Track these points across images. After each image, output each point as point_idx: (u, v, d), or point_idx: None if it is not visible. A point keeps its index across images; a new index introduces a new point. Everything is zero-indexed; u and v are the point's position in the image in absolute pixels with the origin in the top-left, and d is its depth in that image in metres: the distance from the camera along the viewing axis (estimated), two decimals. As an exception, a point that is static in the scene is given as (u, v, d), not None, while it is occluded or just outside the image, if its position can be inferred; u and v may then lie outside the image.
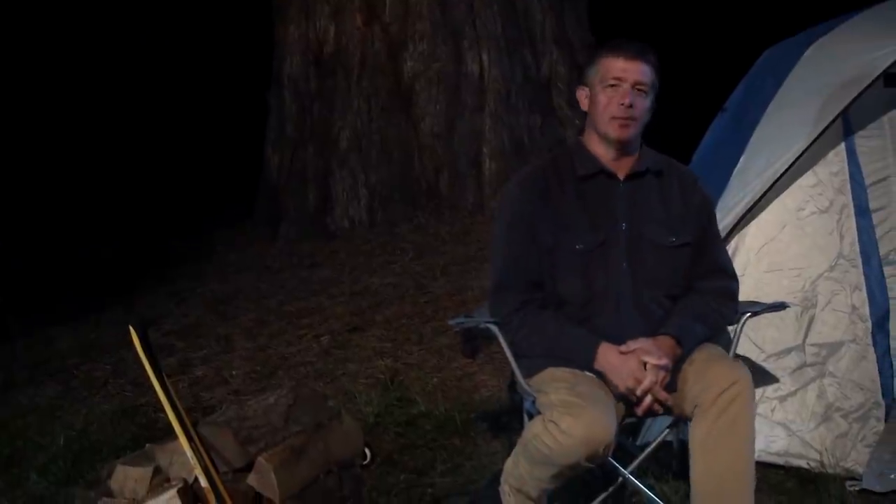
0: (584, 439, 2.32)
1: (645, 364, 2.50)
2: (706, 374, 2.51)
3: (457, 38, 7.05)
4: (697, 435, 2.48)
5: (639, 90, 2.64)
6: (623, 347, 2.54)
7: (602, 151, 2.72)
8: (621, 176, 2.72)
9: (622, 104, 2.61)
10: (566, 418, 2.33)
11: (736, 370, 2.51)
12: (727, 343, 2.79)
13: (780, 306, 2.88)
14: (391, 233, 6.73)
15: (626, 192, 2.71)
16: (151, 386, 2.74)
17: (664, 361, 2.50)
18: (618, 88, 2.63)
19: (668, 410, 2.58)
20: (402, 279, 5.82)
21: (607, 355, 2.55)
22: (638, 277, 2.64)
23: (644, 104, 2.66)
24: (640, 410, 2.54)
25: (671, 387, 2.55)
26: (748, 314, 2.80)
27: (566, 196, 2.69)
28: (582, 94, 2.76)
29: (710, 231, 2.80)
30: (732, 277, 2.82)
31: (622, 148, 2.70)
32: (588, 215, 2.67)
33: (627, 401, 2.56)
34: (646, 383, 2.49)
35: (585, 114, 2.76)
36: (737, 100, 4.45)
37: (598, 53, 2.75)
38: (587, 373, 2.56)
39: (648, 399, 2.51)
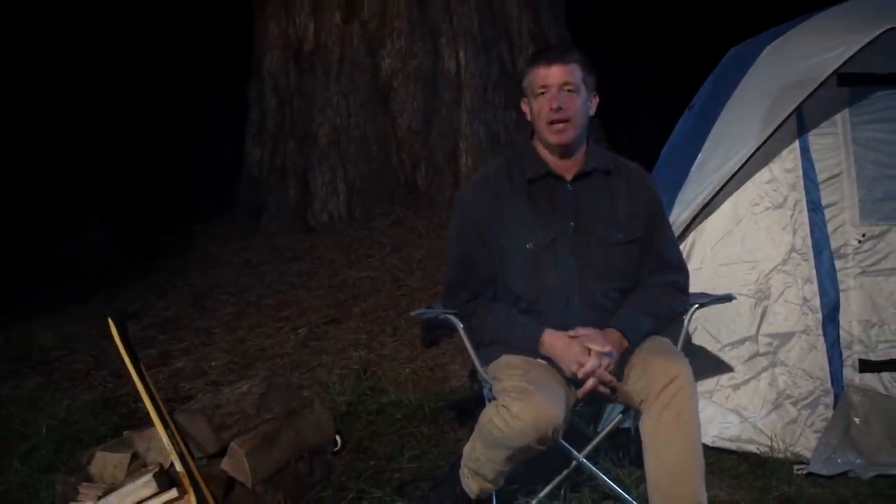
0: (533, 422, 2.45)
1: (590, 351, 2.63)
2: (648, 370, 2.64)
3: (434, 36, 7.13)
4: (646, 429, 2.62)
5: (568, 91, 2.76)
6: (570, 333, 2.67)
7: (548, 155, 2.85)
8: (568, 177, 2.85)
9: (551, 108, 2.74)
10: (517, 403, 2.47)
11: (676, 365, 2.63)
12: (677, 332, 2.91)
13: (727, 298, 3.02)
14: (369, 227, 6.80)
15: (574, 192, 2.83)
16: (130, 376, 2.84)
17: (608, 348, 2.63)
18: (546, 94, 2.76)
19: (613, 391, 2.70)
20: (379, 272, 5.91)
21: (552, 341, 2.68)
22: (587, 273, 2.77)
23: (576, 102, 2.77)
24: (580, 393, 2.67)
25: (618, 376, 2.68)
26: (696, 305, 2.93)
27: (517, 197, 2.82)
28: (524, 106, 2.90)
29: (658, 227, 2.92)
30: (682, 270, 2.95)
31: (565, 151, 2.83)
32: (537, 215, 2.79)
33: (579, 386, 2.69)
34: (587, 367, 2.61)
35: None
36: (703, 97, 4.57)
37: (526, 65, 2.90)
38: (540, 360, 2.69)
39: (591, 382, 2.63)
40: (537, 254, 2.76)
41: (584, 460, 2.82)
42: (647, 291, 2.84)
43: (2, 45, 9.09)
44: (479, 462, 2.68)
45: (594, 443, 2.87)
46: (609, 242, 2.80)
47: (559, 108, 2.74)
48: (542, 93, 2.77)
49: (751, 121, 3.48)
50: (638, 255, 2.85)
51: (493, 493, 2.85)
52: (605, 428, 2.97)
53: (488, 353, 2.79)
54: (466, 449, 2.75)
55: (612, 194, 2.86)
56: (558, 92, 2.75)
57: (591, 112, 2.86)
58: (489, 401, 2.72)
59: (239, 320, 5.45)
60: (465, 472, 2.78)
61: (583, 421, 3.15)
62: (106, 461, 3.06)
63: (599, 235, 2.80)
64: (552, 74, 2.76)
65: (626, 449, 3.21)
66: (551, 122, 2.76)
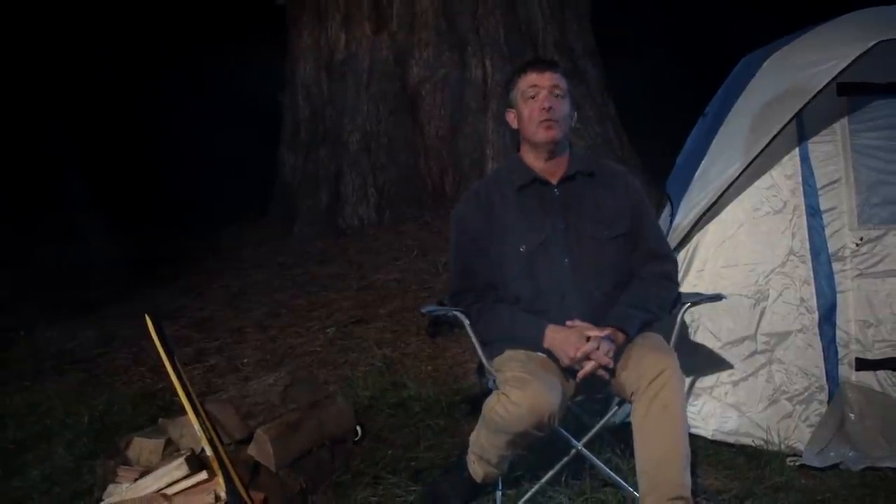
0: (529, 409, 2.65)
1: (588, 339, 2.81)
2: (640, 364, 2.82)
3: (461, 46, 7.35)
4: (636, 419, 2.80)
5: (556, 95, 2.98)
6: (568, 323, 2.86)
7: (535, 161, 3.05)
8: (554, 181, 3.04)
9: (543, 108, 2.95)
10: (515, 391, 2.67)
11: (665, 359, 2.81)
12: (670, 329, 3.08)
13: (717, 297, 3.18)
14: (398, 231, 7.01)
15: (561, 195, 3.03)
16: (165, 370, 3.06)
17: (605, 332, 2.82)
18: (537, 97, 2.97)
19: (612, 374, 2.87)
20: (406, 275, 6.11)
21: (553, 333, 2.86)
22: (579, 271, 2.95)
23: (563, 107, 2.99)
24: (580, 375, 2.84)
25: (612, 371, 2.86)
26: (688, 304, 3.10)
27: (507, 205, 3.02)
28: (511, 116, 3.10)
29: (643, 221, 3.10)
30: (670, 260, 3.13)
31: (552, 151, 3.02)
32: (528, 219, 2.99)
33: (576, 376, 2.87)
34: (586, 348, 2.79)
35: (516, 132, 3.11)
36: (715, 105, 4.70)
37: (514, 76, 3.11)
38: (540, 353, 2.89)
39: (590, 365, 2.81)
40: (531, 255, 2.95)
41: (583, 448, 3.01)
42: (639, 285, 3.01)
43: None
44: (483, 448, 2.89)
45: (592, 432, 3.04)
46: (598, 240, 2.97)
47: (550, 108, 2.95)
48: (533, 95, 2.98)
49: (751, 129, 3.60)
50: (627, 249, 3.03)
51: (499, 479, 3.05)
52: (615, 422, 3.16)
53: (494, 348, 2.98)
54: (473, 436, 2.96)
55: (597, 194, 3.04)
56: (549, 94, 2.96)
57: (572, 123, 3.07)
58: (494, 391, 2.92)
59: (271, 320, 5.66)
60: (471, 458, 2.99)
61: (590, 414, 3.32)
62: (142, 447, 3.27)
63: (588, 234, 2.98)
64: (544, 78, 2.98)
65: (627, 441, 3.37)
66: (540, 122, 2.95)
